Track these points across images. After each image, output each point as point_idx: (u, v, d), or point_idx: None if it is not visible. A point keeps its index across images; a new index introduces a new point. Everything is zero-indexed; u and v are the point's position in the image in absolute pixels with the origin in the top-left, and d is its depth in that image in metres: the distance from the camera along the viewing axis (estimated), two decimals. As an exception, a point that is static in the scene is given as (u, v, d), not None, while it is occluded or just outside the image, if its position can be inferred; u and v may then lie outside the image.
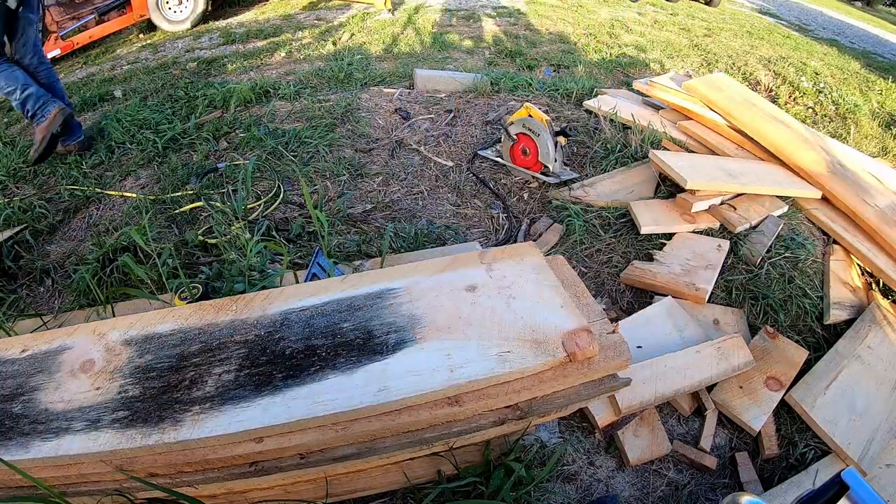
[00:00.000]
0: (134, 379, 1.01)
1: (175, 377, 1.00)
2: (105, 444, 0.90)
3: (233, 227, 2.00)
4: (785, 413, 1.61)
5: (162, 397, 0.97)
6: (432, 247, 2.14)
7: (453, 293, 1.09)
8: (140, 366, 1.03)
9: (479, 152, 2.80)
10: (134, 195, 2.44)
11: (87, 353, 1.07)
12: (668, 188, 2.35)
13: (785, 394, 1.61)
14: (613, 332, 1.08)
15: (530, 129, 2.49)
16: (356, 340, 1.02)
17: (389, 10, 5.75)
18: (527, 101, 3.23)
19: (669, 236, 2.13)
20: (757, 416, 1.55)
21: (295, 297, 1.13)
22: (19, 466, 0.91)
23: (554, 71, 4.10)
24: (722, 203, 2.25)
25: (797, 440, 1.54)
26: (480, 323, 1.02)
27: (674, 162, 2.21)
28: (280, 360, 1.01)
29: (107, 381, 1.01)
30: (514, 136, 2.57)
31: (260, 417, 0.91)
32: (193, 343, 1.06)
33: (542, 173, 2.54)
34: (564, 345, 0.97)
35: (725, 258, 2.05)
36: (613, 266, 2.10)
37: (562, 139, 2.54)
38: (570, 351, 0.96)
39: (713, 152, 2.60)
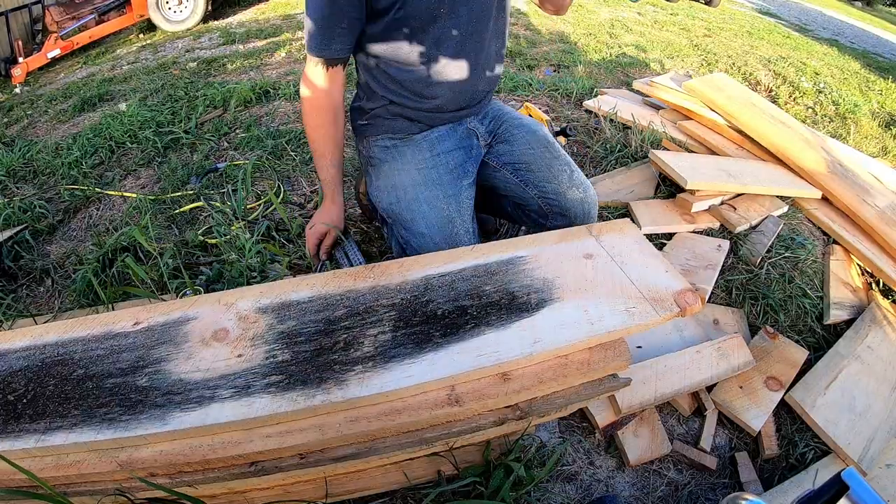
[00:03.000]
0: (280, 344, 0.99)
1: (327, 340, 0.99)
2: (262, 409, 0.88)
3: (233, 228, 2.00)
4: (785, 413, 1.61)
5: (318, 360, 0.96)
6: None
7: (574, 260, 1.18)
8: (284, 331, 1.02)
9: (479, 152, 2.80)
10: (134, 195, 2.44)
11: (217, 323, 1.04)
12: (668, 188, 2.35)
13: (785, 394, 1.61)
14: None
15: (530, 129, 2.49)
16: (501, 300, 1.07)
17: (389, 10, 5.74)
18: (527, 101, 3.23)
19: (669, 236, 2.13)
20: (757, 416, 1.55)
21: (431, 264, 1.18)
22: (155, 440, 0.88)
23: (554, 71, 4.10)
24: (722, 203, 2.25)
25: (797, 440, 1.54)
26: (604, 284, 1.11)
27: (674, 162, 2.21)
28: (433, 319, 1.03)
29: (249, 347, 0.99)
30: (514, 136, 2.57)
31: (428, 371, 0.93)
32: (338, 308, 1.06)
33: (542, 173, 2.53)
34: (676, 302, 1.06)
35: (725, 258, 2.05)
36: (613, 266, 2.10)
37: (562, 139, 2.54)
38: (682, 307, 1.05)
39: (713, 152, 2.60)
